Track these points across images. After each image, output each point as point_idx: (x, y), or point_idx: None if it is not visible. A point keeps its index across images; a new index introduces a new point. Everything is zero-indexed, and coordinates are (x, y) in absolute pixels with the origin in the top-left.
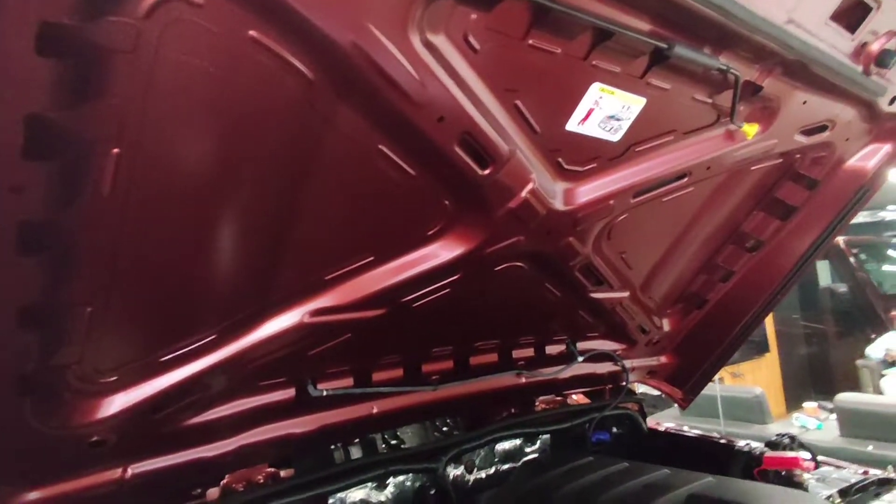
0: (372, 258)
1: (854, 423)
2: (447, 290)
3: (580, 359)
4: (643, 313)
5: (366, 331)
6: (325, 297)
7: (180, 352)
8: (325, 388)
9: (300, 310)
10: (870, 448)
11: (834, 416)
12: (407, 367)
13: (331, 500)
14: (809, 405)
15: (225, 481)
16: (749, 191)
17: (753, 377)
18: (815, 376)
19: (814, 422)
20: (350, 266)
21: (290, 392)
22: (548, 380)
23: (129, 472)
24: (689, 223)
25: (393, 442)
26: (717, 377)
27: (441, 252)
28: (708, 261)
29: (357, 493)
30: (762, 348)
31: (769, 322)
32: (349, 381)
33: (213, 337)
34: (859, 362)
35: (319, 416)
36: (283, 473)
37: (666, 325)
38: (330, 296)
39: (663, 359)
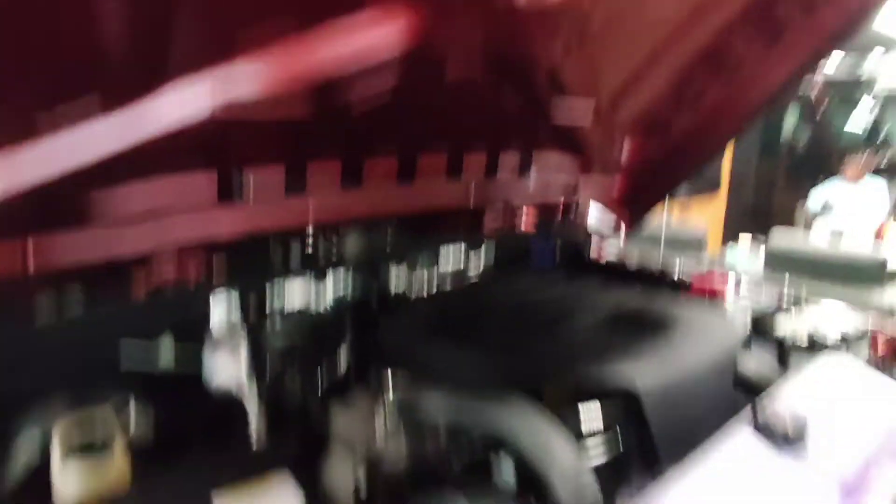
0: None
1: (778, 258)
2: (391, 80)
3: (533, 173)
4: (604, 131)
5: (295, 123)
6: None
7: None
8: (251, 179)
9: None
10: (786, 279)
11: (762, 249)
12: (346, 165)
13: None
14: (744, 236)
15: (154, 271)
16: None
17: (700, 211)
18: (758, 217)
19: (744, 254)
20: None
21: (210, 178)
22: (498, 191)
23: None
24: (670, 34)
25: (334, 238)
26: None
27: (383, 25)
28: (681, 81)
29: (295, 288)
30: (713, 184)
31: (726, 160)
32: (280, 175)
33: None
34: (798, 209)
35: (248, 211)
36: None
37: (626, 145)
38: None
39: (618, 180)
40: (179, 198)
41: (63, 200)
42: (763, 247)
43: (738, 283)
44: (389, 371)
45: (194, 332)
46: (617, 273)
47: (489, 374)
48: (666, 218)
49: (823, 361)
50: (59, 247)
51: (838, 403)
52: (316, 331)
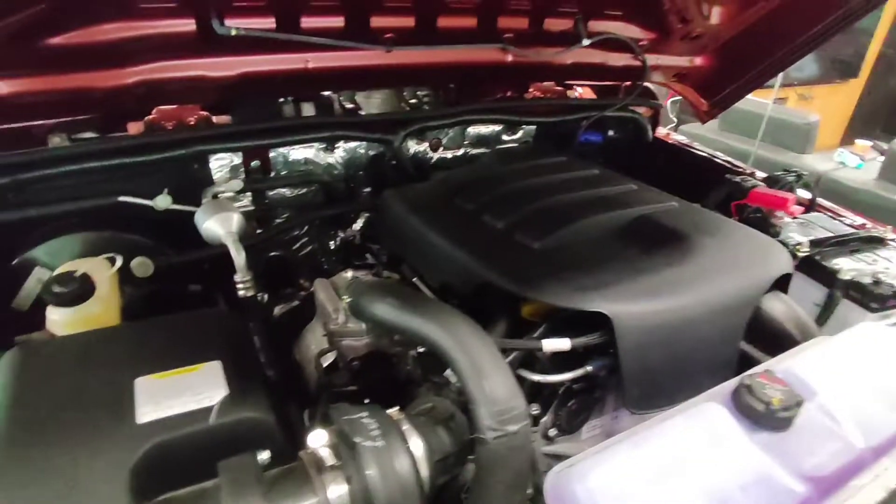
0: None
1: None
2: None
3: (585, 42)
4: None
5: None
6: None
7: None
8: (234, 26)
9: None
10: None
11: (881, 158)
12: (349, 15)
13: (272, 154)
14: (862, 142)
15: (152, 116)
16: None
17: (823, 103)
18: (892, 116)
19: (856, 160)
20: None
21: (189, 24)
22: (542, 62)
23: (2, 86)
24: None
25: (349, 106)
26: (780, 96)
27: None
28: None
29: (302, 152)
30: (849, 71)
31: (874, 42)
32: (270, 22)
33: None
34: None
35: (237, 60)
36: (216, 119)
37: (715, 16)
38: None
39: (698, 60)
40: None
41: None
42: (884, 156)
43: (811, 201)
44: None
45: (196, 184)
46: (677, 163)
47: (461, 274)
48: (769, 105)
49: (868, 327)
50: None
51: (858, 384)
52: (331, 190)
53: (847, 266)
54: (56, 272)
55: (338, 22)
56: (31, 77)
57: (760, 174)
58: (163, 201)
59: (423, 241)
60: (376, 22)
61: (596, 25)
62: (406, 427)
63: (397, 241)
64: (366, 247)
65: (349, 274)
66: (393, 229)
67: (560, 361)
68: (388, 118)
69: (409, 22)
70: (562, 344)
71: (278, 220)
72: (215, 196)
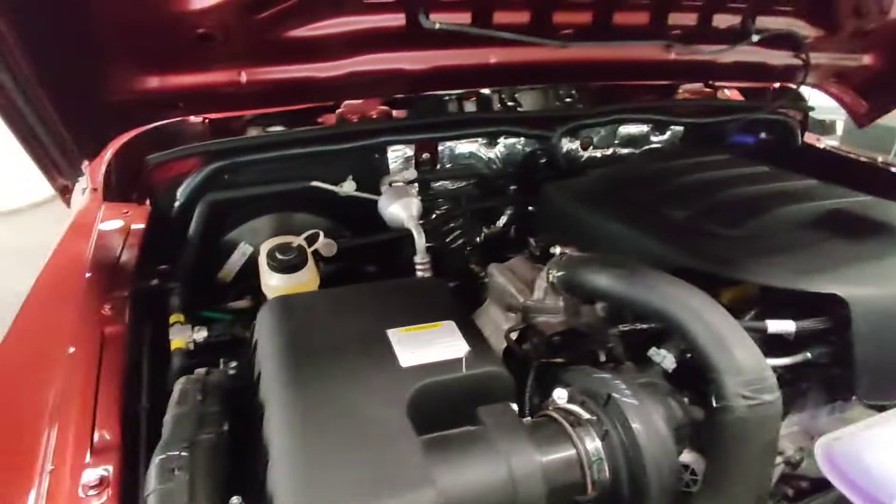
0: None
1: None
2: None
3: (755, 38)
4: None
5: None
6: None
7: None
8: (438, 21)
9: None
10: None
11: None
12: (536, 11)
13: (440, 147)
14: None
15: (341, 110)
16: None
17: None
18: None
19: None
20: None
21: (399, 18)
22: (703, 60)
23: (244, 76)
24: None
25: (510, 104)
26: None
27: None
28: None
29: (467, 146)
30: None
31: None
32: (466, 17)
33: None
34: None
35: (432, 55)
36: (395, 114)
37: (895, 10)
38: None
39: (866, 59)
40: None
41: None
42: None
43: None
44: (553, 236)
45: (374, 173)
46: (833, 168)
47: (651, 261)
48: None
49: None
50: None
51: None
52: (482, 185)
53: None
54: (273, 243)
55: (524, 17)
56: (269, 66)
57: None
58: (348, 187)
59: (599, 231)
60: (558, 18)
61: (763, 21)
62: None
63: (562, 232)
64: (519, 239)
65: (556, 249)
66: (557, 221)
67: (777, 348)
68: (547, 115)
69: (586, 18)
70: (786, 326)
71: (438, 212)
72: (391, 185)
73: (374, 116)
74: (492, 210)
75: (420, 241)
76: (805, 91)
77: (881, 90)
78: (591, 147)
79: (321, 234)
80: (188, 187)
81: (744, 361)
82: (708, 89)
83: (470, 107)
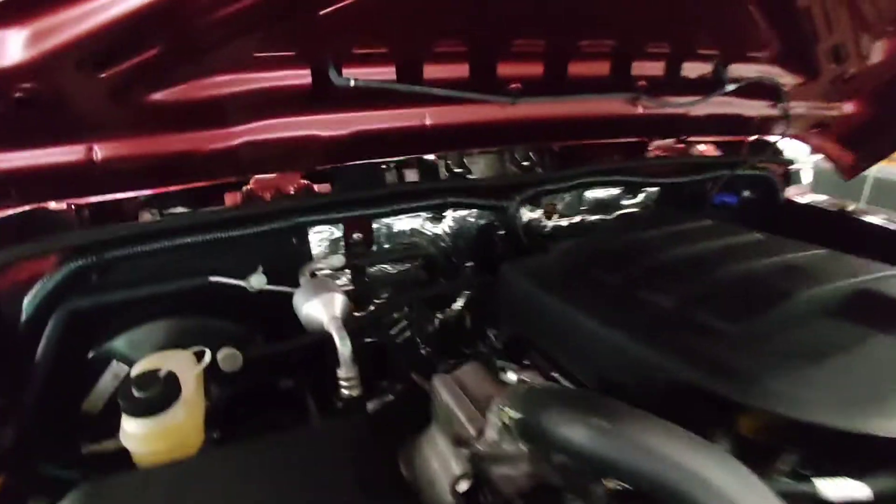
0: None
1: None
2: None
3: (729, 87)
4: (850, 27)
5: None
6: None
7: None
8: (353, 76)
9: None
10: None
11: None
12: (475, 63)
13: (375, 226)
14: None
15: (249, 186)
16: None
17: None
18: None
19: None
20: None
21: (304, 75)
22: (674, 114)
23: (98, 151)
24: None
25: (457, 170)
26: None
27: None
28: None
29: (408, 222)
30: None
31: None
32: (390, 72)
33: None
34: None
35: (351, 117)
36: (317, 188)
37: (876, 54)
38: None
39: (848, 108)
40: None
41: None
42: None
43: None
44: (513, 341)
45: (294, 261)
46: (819, 225)
47: (634, 368)
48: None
49: None
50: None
51: None
52: (430, 267)
53: None
54: (135, 370)
55: (462, 71)
56: (130, 139)
57: None
58: (257, 281)
59: (566, 324)
60: (503, 70)
61: (736, 69)
62: None
63: (524, 322)
64: (477, 329)
65: (511, 376)
66: (517, 308)
67: None
68: (502, 183)
69: (537, 70)
70: (857, 490)
71: (377, 301)
72: (313, 274)
73: (292, 192)
74: (443, 295)
75: (344, 349)
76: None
77: (868, 139)
78: (556, 215)
79: (207, 352)
80: (37, 296)
81: None
82: (680, 145)
83: (411, 175)
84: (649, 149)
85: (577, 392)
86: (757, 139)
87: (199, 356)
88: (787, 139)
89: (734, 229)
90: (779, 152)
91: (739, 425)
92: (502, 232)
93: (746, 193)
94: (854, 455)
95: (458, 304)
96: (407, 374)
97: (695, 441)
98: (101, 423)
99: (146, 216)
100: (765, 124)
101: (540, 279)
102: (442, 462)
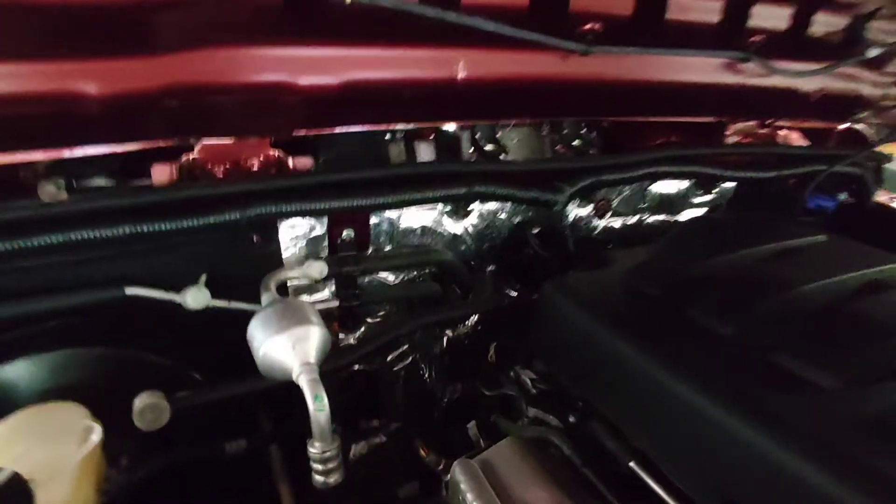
0: None
1: None
2: None
3: (873, 52)
4: None
5: None
6: None
7: None
8: None
9: None
10: None
11: None
12: None
13: (374, 221)
14: None
15: (193, 155)
16: None
17: None
18: None
19: None
20: None
21: None
22: (787, 87)
23: None
24: None
25: (488, 147)
26: None
27: None
28: None
29: (420, 217)
30: None
31: None
32: None
33: None
34: None
35: (343, 57)
36: (293, 163)
37: None
38: None
39: None
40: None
41: None
42: None
43: None
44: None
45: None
46: None
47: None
48: None
49: None
50: None
51: None
52: (439, 280)
53: None
54: None
55: None
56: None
57: None
58: (196, 298)
59: (626, 376)
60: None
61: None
62: None
63: (574, 361)
64: (501, 364)
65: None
66: (566, 341)
67: None
68: (549, 168)
69: (624, 7)
70: None
71: (371, 321)
72: (283, 288)
73: (255, 168)
74: (459, 317)
75: (319, 415)
76: None
77: None
78: (610, 213)
79: (95, 428)
80: None
81: None
82: (764, 129)
83: (426, 152)
84: (727, 133)
85: None
86: (848, 128)
87: (88, 433)
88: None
89: (866, 251)
90: (871, 145)
91: None
92: (536, 231)
93: (843, 196)
94: None
95: (471, 319)
96: (404, 409)
97: None
98: None
99: (48, 189)
100: (858, 104)
101: (598, 309)
102: None
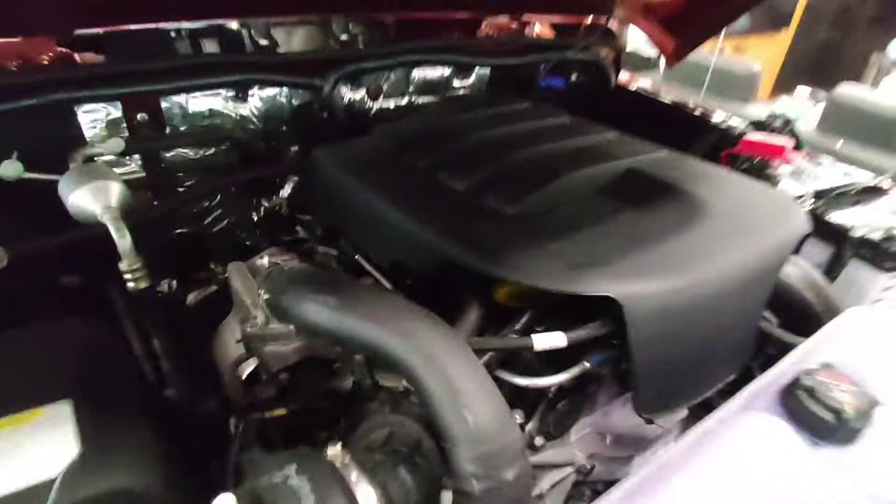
0: None
1: (839, 117)
2: None
3: None
4: None
5: None
6: None
7: None
8: None
9: None
10: (839, 145)
11: (819, 106)
12: None
13: (164, 104)
14: (802, 89)
15: None
16: None
17: (756, 54)
18: (823, 67)
19: (796, 109)
20: None
21: None
22: None
23: None
24: None
25: (264, 42)
26: (718, 47)
27: None
28: None
29: (205, 101)
30: (781, 21)
31: None
32: None
33: None
34: (874, 56)
35: None
36: (81, 59)
37: None
38: None
39: None
40: None
41: None
42: (822, 103)
43: (797, 146)
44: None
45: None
46: (644, 112)
47: (417, 250)
48: (716, 54)
49: None
50: None
51: None
52: (242, 150)
53: (857, 221)
54: None
55: None
56: None
57: (738, 121)
58: (9, 169)
59: (365, 209)
60: None
61: None
62: (353, 474)
63: (333, 209)
64: (295, 218)
65: (265, 260)
66: (327, 195)
67: (549, 358)
68: (314, 57)
69: None
70: (556, 340)
71: (181, 189)
72: (89, 160)
73: (45, 62)
74: (271, 180)
75: (122, 241)
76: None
77: (687, 24)
78: (382, 97)
79: None
80: None
81: (479, 425)
82: (514, 24)
83: (210, 47)
84: (482, 28)
85: (314, 272)
86: (591, 23)
87: None
88: (618, 22)
89: (546, 111)
90: (613, 36)
91: (494, 293)
92: (327, 115)
93: (574, 78)
94: (569, 311)
95: (285, 190)
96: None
97: (414, 312)
98: None
99: None
100: (597, 5)
101: (348, 164)
102: (235, 347)
